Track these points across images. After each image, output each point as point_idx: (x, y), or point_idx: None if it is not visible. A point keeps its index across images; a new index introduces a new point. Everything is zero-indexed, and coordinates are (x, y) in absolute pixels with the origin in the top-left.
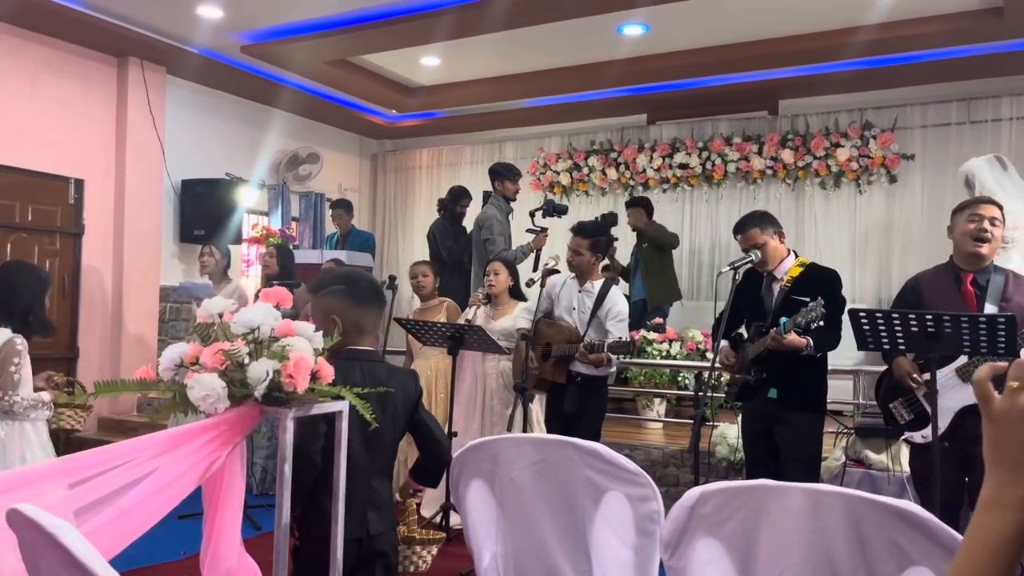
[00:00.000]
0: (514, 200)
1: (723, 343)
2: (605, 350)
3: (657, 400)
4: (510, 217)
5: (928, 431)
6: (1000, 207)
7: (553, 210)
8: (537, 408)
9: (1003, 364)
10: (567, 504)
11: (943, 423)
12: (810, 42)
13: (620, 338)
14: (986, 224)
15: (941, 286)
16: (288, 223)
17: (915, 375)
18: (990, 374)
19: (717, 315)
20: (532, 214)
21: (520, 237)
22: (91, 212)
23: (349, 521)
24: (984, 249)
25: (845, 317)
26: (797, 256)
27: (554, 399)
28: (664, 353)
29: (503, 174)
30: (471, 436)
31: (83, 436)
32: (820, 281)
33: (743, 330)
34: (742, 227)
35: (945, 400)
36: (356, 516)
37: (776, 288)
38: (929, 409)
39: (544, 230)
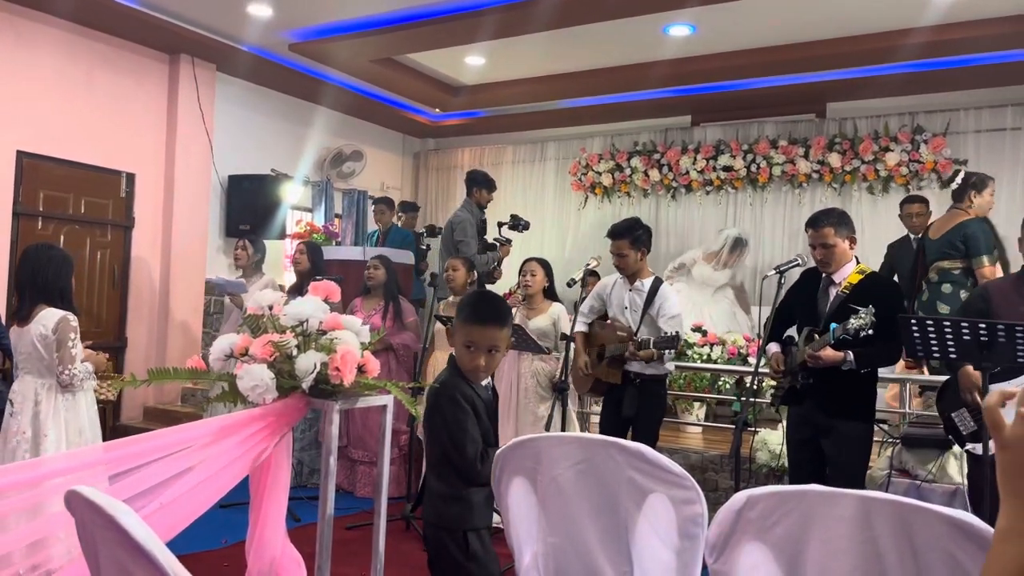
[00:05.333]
0: (485, 208)
1: (773, 346)
2: (652, 347)
3: (696, 404)
4: (481, 223)
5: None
6: None
7: (517, 224)
8: (572, 408)
9: (1013, 389)
10: (609, 505)
11: None
12: (860, 44)
13: (666, 333)
14: None
15: (1011, 296)
16: (331, 220)
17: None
18: (999, 400)
19: (766, 318)
20: (500, 225)
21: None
22: (141, 205)
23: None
24: None
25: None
26: (859, 263)
27: (610, 402)
28: (705, 357)
29: (481, 183)
30: (506, 437)
31: (128, 424)
32: (880, 291)
33: (794, 332)
34: (817, 223)
35: (1010, 412)
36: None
37: (833, 292)
38: None
39: (509, 241)
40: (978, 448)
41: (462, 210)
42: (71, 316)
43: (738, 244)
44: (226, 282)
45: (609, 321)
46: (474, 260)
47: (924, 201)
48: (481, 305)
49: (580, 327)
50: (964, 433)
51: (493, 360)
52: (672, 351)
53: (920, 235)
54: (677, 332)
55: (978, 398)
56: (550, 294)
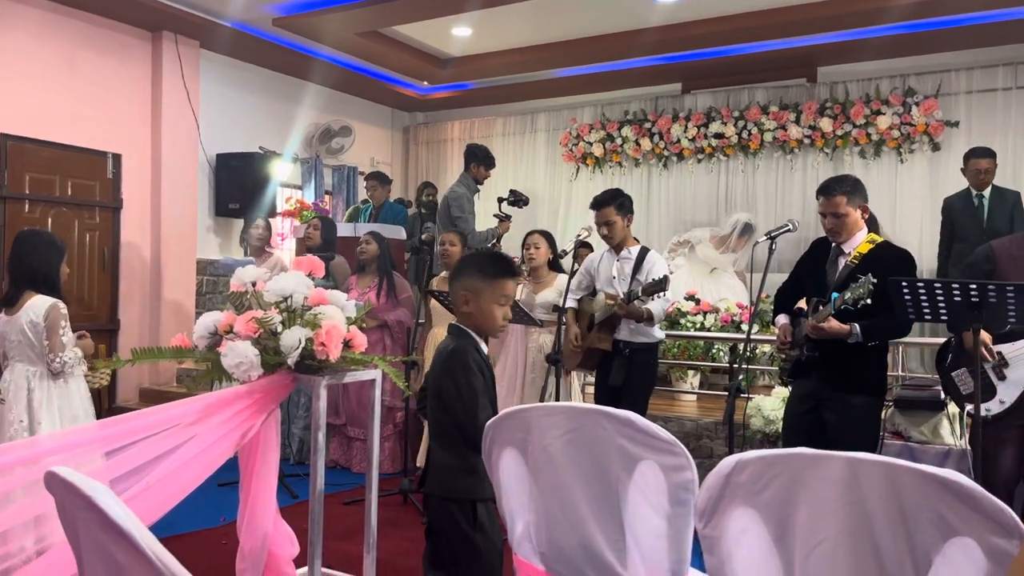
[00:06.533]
0: (481, 185)
1: (782, 318)
2: (641, 293)
3: (691, 372)
4: (476, 198)
5: (991, 404)
6: None
7: (518, 200)
8: (575, 381)
9: None
10: (600, 473)
11: (1011, 397)
12: (850, 6)
13: (653, 279)
14: None
15: (1018, 257)
16: (321, 196)
17: (989, 347)
18: None
19: (770, 284)
20: (500, 201)
21: (484, 221)
22: (129, 186)
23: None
24: None
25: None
26: (870, 232)
27: (602, 373)
28: (698, 325)
29: (481, 159)
30: None
31: (123, 406)
32: (890, 261)
33: (803, 304)
34: (829, 191)
35: (1015, 374)
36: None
37: (842, 263)
38: (996, 381)
39: (508, 217)
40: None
41: (459, 185)
42: (61, 304)
43: (747, 230)
44: (234, 262)
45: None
46: (473, 236)
47: (992, 155)
48: (501, 259)
49: (570, 303)
50: (964, 393)
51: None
52: (662, 295)
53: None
54: (664, 275)
55: (987, 356)
56: (554, 266)
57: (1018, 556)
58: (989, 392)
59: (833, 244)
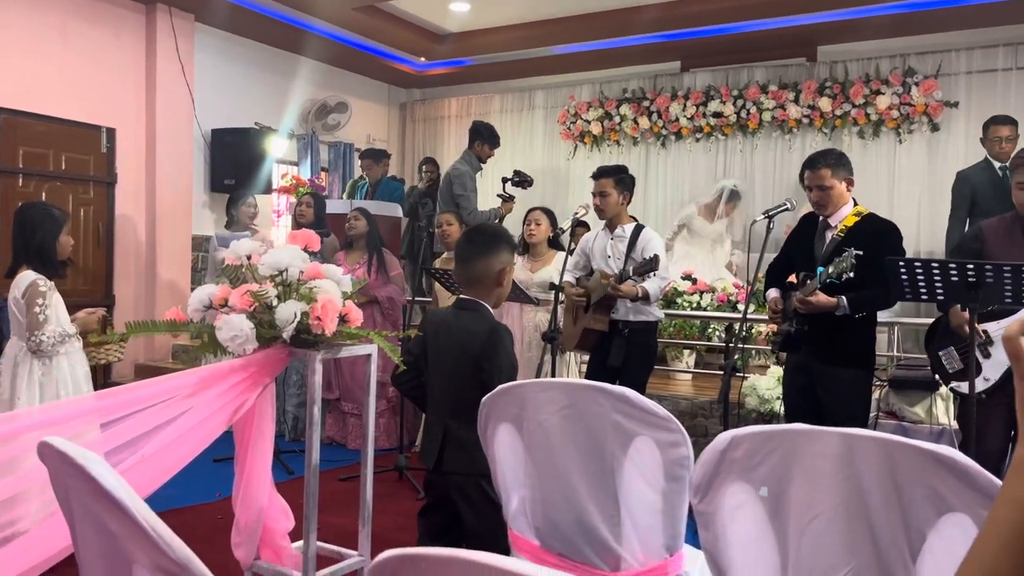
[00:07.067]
0: (484, 163)
1: (772, 292)
2: (632, 274)
3: (687, 351)
4: (479, 176)
5: (978, 381)
6: None
7: (523, 181)
8: (572, 357)
9: None
10: (595, 449)
11: (995, 375)
12: None
13: (645, 258)
14: None
15: (1006, 236)
16: (317, 173)
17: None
18: (1021, 330)
19: (768, 263)
20: (504, 181)
21: (487, 201)
22: (123, 161)
23: (425, 453)
24: None
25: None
26: (856, 205)
27: (598, 352)
28: (695, 304)
29: (486, 138)
30: None
31: (119, 382)
32: (876, 233)
33: (794, 278)
34: (814, 164)
35: (999, 352)
36: (430, 450)
37: (829, 236)
38: (981, 359)
39: (512, 198)
40: (963, 386)
41: (462, 162)
42: (41, 280)
43: (733, 196)
44: (230, 235)
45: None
46: (474, 214)
47: (1014, 123)
48: (509, 234)
49: (568, 278)
50: (950, 371)
51: None
52: (654, 274)
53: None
54: (656, 255)
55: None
56: (554, 244)
57: (968, 553)
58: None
59: (820, 218)
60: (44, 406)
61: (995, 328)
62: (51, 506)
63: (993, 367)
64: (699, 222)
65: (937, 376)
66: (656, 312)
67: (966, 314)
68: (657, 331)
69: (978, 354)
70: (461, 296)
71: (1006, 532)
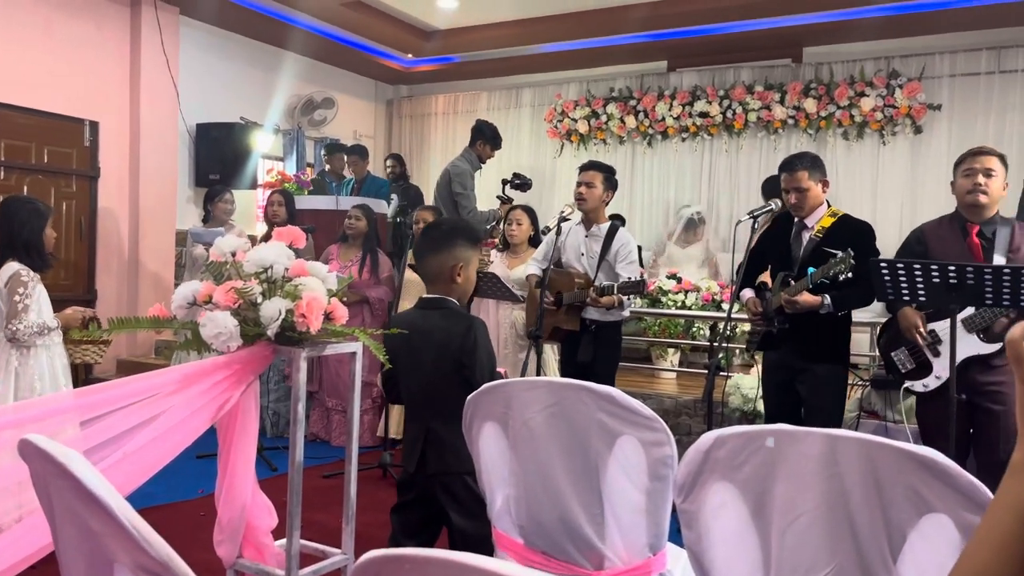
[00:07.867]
0: (484, 163)
1: (747, 292)
2: (616, 292)
3: (671, 350)
4: (477, 175)
5: (928, 380)
6: (1001, 156)
7: (523, 184)
8: (551, 354)
9: None
10: (580, 448)
11: (947, 373)
12: None
13: (630, 278)
14: (980, 178)
15: (947, 237)
16: (303, 169)
17: (921, 327)
18: (1023, 334)
19: (738, 264)
20: (504, 183)
21: (484, 201)
22: (106, 155)
23: (406, 455)
24: (983, 199)
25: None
26: (830, 206)
27: (568, 348)
28: (679, 303)
29: (489, 138)
30: None
31: (101, 378)
32: (853, 233)
33: (767, 278)
34: (791, 166)
35: (948, 350)
36: (411, 452)
37: (806, 237)
38: (931, 358)
39: (510, 200)
40: (917, 385)
41: (462, 160)
42: (24, 272)
43: (692, 224)
44: (206, 231)
45: (563, 268)
46: (473, 214)
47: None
48: (473, 227)
49: (534, 270)
50: (902, 371)
51: None
52: (634, 298)
53: None
54: (643, 277)
55: (918, 338)
56: (535, 242)
57: (962, 555)
58: (926, 369)
59: (796, 219)
60: (22, 403)
61: (942, 327)
62: (30, 504)
63: (944, 365)
64: (672, 248)
65: (890, 375)
66: (623, 312)
67: (915, 317)
68: (622, 326)
69: (928, 353)
70: (424, 295)
71: (1000, 535)
